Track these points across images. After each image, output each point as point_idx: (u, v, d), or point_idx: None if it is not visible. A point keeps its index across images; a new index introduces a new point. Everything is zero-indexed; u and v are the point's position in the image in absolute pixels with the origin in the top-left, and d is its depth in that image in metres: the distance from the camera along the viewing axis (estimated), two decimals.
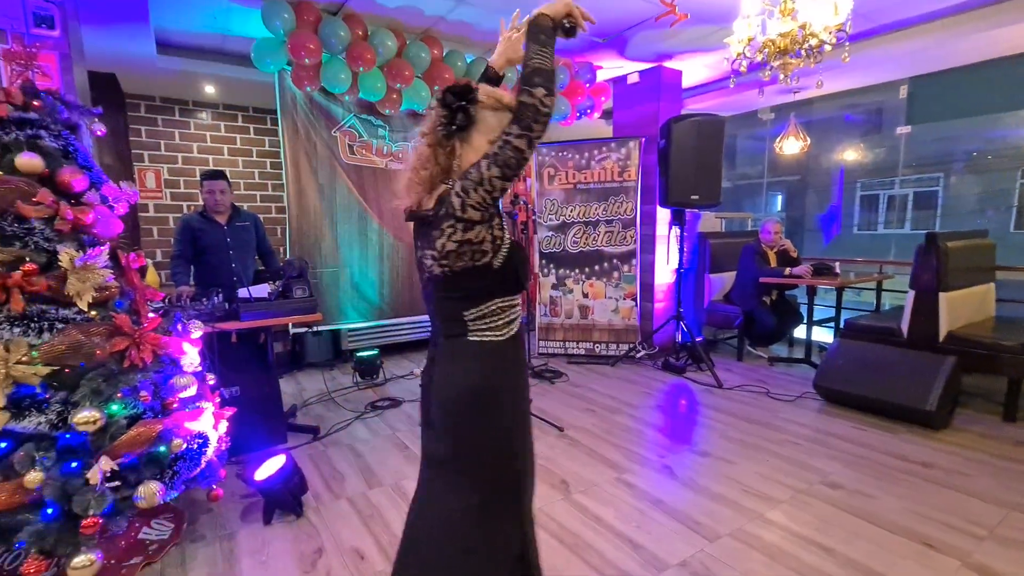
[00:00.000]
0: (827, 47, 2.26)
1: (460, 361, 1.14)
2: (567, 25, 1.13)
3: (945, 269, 3.17)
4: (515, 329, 1.18)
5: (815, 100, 5.19)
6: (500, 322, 1.14)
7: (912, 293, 3.29)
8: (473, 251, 1.06)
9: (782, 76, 2.29)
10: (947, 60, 3.96)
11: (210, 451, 1.93)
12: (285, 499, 2.11)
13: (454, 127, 1.09)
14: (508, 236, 1.13)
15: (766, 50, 2.27)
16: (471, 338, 1.13)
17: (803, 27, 2.12)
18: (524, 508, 1.24)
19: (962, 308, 3.32)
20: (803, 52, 2.26)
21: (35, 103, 1.70)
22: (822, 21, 2.17)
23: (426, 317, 4.54)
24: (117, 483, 1.62)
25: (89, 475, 1.54)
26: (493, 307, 1.13)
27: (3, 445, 1.53)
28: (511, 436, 1.17)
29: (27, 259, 1.56)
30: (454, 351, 1.14)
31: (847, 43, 2.18)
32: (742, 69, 2.32)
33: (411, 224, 1.20)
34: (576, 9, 1.13)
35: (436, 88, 3.77)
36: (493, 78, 1.32)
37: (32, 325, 1.56)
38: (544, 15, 1.09)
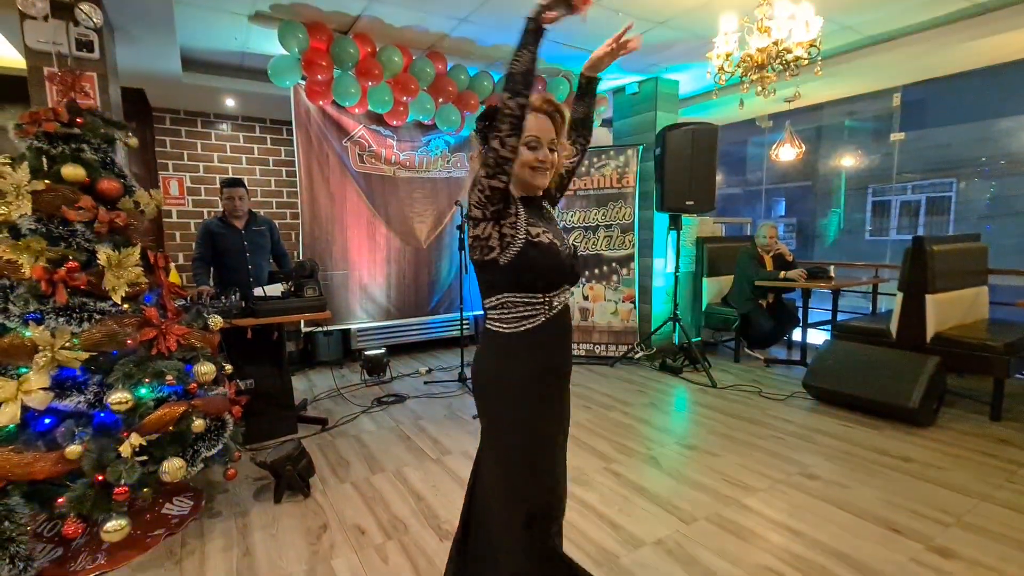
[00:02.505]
0: (804, 61, 2.40)
1: (481, 345, 1.31)
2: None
3: (932, 272, 3.25)
4: (529, 326, 1.22)
5: (824, 106, 5.29)
6: (509, 316, 1.22)
7: (900, 295, 3.38)
8: (481, 246, 1.18)
9: (760, 88, 2.43)
10: (939, 69, 4.05)
11: (227, 433, 2.12)
12: (294, 480, 2.29)
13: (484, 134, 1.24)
14: (531, 237, 1.18)
15: (744, 64, 2.42)
16: (487, 326, 1.27)
17: (776, 43, 2.27)
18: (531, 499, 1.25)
19: (951, 310, 3.39)
20: (780, 66, 2.40)
21: (78, 120, 1.92)
22: (796, 37, 2.31)
23: (432, 318, 4.77)
24: (145, 458, 1.82)
25: (121, 449, 1.73)
26: (503, 300, 1.21)
27: (48, 421, 1.73)
28: (515, 427, 1.24)
29: (70, 257, 1.77)
30: (483, 335, 1.31)
31: (819, 58, 2.32)
32: (721, 82, 2.47)
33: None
34: None
35: (440, 100, 3.98)
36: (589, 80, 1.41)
37: (74, 315, 1.77)
38: (529, 17, 1.10)
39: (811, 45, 2.28)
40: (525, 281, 1.20)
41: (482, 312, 1.29)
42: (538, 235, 1.20)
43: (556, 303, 1.25)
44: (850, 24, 3.34)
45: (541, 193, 1.34)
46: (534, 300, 1.22)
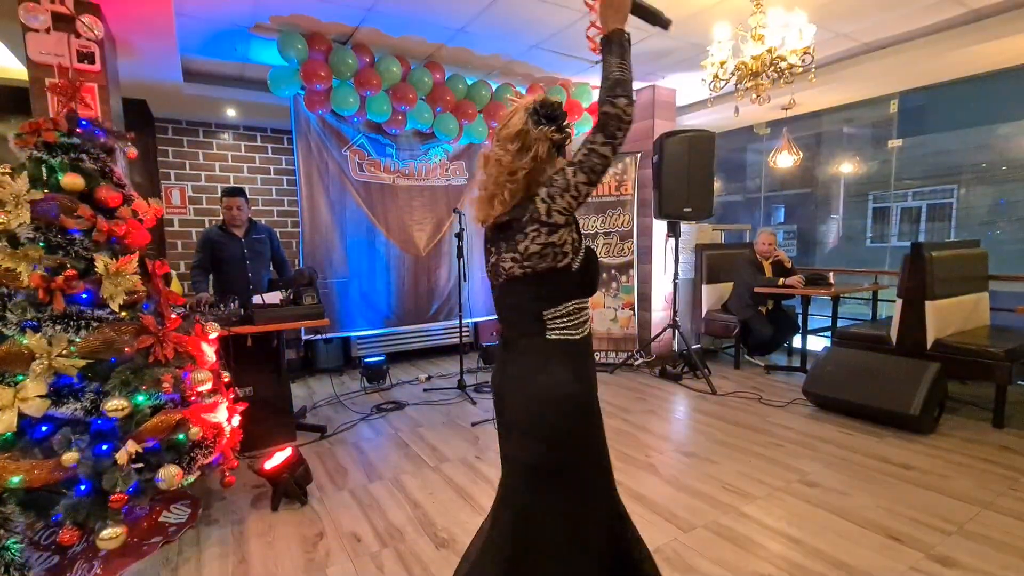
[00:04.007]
0: (798, 69, 2.41)
1: (544, 362, 1.17)
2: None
3: (931, 278, 3.25)
4: (588, 330, 1.23)
5: (823, 113, 5.32)
6: (576, 322, 1.19)
7: (900, 302, 3.38)
8: (555, 253, 1.13)
9: (754, 96, 2.45)
10: (935, 75, 4.07)
11: (224, 441, 2.12)
12: (291, 488, 2.28)
13: (563, 142, 1.17)
14: (584, 241, 1.20)
15: (738, 71, 2.44)
16: (550, 336, 1.17)
17: (770, 51, 2.29)
18: (615, 504, 1.28)
19: (951, 316, 3.38)
20: (774, 73, 2.42)
21: (77, 130, 1.94)
22: (790, 45, 2.33)
23: (431, 326, 4.78)
24: (141, 465, 1.82)
25: (117, 456, 1.73)
26: (571, 307, 1.18)
27: (45, 428, 1.73)
28: (602, 437, 1.24)
29: (68, 265, 1.78)
30: (534, 349, 1.18)
31: (813, 66, 2.33)
32: (715, 90, 2.48)
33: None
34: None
35: (438, 109, 4.00)
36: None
37: (71, 323, 1.77)
38: (618, 29, 1.14)
39: (805, 52, 2.30)
40: (587, 284, 1.21)
41: (493, 321, 1.23)
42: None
43: None
44: (845, 32, 3.37)
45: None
46: (587, 305, 1.24)
